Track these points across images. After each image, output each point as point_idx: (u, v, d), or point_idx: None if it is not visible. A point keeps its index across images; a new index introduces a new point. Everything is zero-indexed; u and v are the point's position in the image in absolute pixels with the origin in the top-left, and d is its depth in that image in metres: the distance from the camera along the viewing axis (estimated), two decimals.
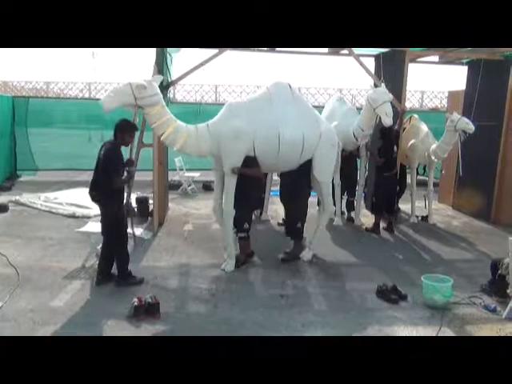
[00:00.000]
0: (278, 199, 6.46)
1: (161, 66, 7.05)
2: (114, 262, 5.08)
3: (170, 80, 7.59)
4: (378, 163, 7.37)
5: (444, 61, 9.02)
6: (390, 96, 6.61)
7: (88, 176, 4.98)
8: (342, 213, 8.27)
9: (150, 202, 7.73)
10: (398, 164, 7.63)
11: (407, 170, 8.61)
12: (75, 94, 22.28)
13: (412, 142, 8.18)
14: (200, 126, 5.43)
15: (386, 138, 7.26)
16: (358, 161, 8.17)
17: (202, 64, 7.30)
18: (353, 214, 8.17)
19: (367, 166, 8.22)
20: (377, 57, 8.45)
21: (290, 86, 5.79)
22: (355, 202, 8.14)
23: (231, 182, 5.42)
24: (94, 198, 4.92)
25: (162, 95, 5.15)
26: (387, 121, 6.46)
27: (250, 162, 5.43)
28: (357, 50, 7.62)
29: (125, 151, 4.99)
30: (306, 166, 5.86)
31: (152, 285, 5.10)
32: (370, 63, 8.48)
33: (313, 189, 6.16)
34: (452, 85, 21.55)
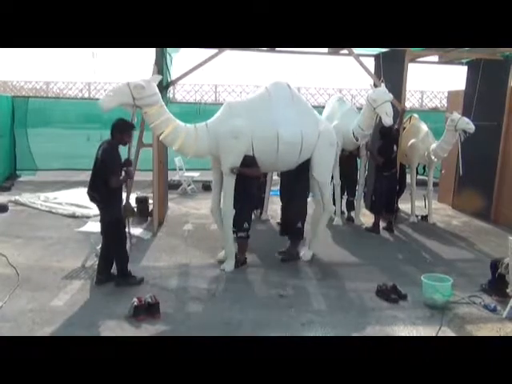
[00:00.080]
0: (278, 199, 6.45)
1: (160, 66, 7.05)
2: (113, 262, 5.07)
3: (169, 80, 7.58)
4: (378, 163, 7.38)
5: (444, 61, 9.02)
6: (390, 96, 6.61)
7: (87, 176, 4.98)
8: (342, 212, 8.27)
9: (150, 201, 7.73)
10: (398, 164, 7.63)
11: (407, 170, 8.62)
12: (75, 94, 22.26)
13: (412, 141, 8.18)
14: (199, 125, 5.43)
15: (386, 138, 7.27)
16: (359, 160, 8.17)
17: (201, 64, 7.31)
18: (353, 214, 8.17)
19: (367, 165, 8.23)
20: (376, 57, 8.46)
21: (289, 86, 5.79)
22: (355, 202, 8.14)
23: (230, 182, 5.42)
24: (93, 199, 4.92)
25: (160, 95, 5.13)
26: (387, 120, 6.46)
27: (249, 161, 5.43)
28: (356, 50, 7.62)
29: (123, 151, 4.99)
30: (305, 166, 5.86)
31: (152, 285, 5.10)
32: (370, 63, 8.49)
33: (310, 191, 6.15)
34: (452, 85, 21.59)
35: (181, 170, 10.52)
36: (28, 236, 6.68)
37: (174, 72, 7.81)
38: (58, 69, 56.69)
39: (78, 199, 8.46)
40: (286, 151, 5.53)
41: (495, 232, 7.72)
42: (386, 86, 6.73)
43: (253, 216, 7.76)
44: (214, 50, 7.15)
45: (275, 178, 7.99)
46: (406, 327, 4.32)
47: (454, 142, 7.61)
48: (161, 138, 5.30)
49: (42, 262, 5.69)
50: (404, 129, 8.14)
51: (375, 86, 7.17)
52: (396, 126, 7.47)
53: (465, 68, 8.91)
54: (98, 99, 5.01)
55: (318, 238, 6.21)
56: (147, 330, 4.11)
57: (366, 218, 8.11)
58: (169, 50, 7.41)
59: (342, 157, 7.74)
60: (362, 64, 7.55)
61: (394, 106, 6.94)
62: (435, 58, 8.95)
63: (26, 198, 8.89)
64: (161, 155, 7.35)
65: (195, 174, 10.69)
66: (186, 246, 6.50)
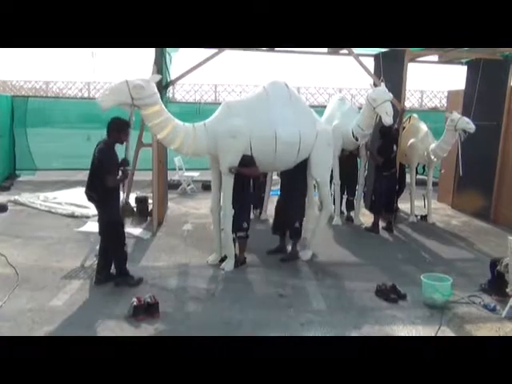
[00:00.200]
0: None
1: (160, 66, 7.05)
2: (112, 262, 5.07)
3: (169, 79, 7.58)
4: (378, 162, 7.38)
5: (443, 60, 9.02)
6: (390, 95, 6.61)
7: (87, 176, 4.98)
8: (342, 212, 8.28)
9: (150, 201, 7.73)
10: (398, 163, 7.63)
11: (406, 170, 8.62)
12: (74, 94, 22.25)
13: (411, 141, 8.18)
14: (197, 125, 5.42)
15: (386, 138, 7.27)
16: (359, 160, 8.17)
17: (201, 63, 7.30)
18: (352, 214, 8.17)
19: (367, 165, 8.23)
20: (376, 56, 8.45)
21: (287, 86, 5.79)
22: (355, 202, 8.14)
23: (228, 182, 5.41)
24: (91, 198, 4.91)
25: (159, 95, 5.12)
26: (387, 120, 6.46)
27: (247, 161, 5.43)
28: (356, 50, 7.62)
29: (121, 151, 4.98)
30: (303, 166, 5.86)
31: (151, 284, 5.10)
32: (370, 63, 8.48)
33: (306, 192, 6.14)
34: (451, 84, 21.60)
35: (180, 169, 10.52)
36: (27, 236, 6.68)
37: (174, 71, 7.82)
38: (58, 68, 56.65)
39: (77, 199, 8.45)
40: (284, 151, 5.53)
41: (495, 232, 7.72)
42: (386, 86, 6.73)
43: (252, 216, 7.79)
44: (213, 50, 7.14)
45: (275, 177, 7.99)
46: (406, 327, 4.32)
47: (454, 141, 7.61)
48: (159, 137, 5.29)
49: (41, 261, 5.69)
50: (403, 128, 8.14)
51: (375, 85, 7.17)
52: (395, 126, 7.47)
53: (464, 68, 8.91)
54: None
55: (318, 237, 6.21)
56: (146, 329, 4.11)
57: (365, 217, 8.11)
58: (168, 49, 7.40)
59: (342, 157, 7.74)
60: (361, 64, 7.55)
61: (393, 106, 6.94)
62: (435, 58, 8.94)
63: (25, 197, 8.89)
64: (160, 155, 7.35)
65: (195, 174, 10.69)
66: (186, 246, 6.50)
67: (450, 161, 8.81)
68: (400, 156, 7.78)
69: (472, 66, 8.63)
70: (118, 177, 4.85)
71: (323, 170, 5.95)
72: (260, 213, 8.13)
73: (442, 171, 9.50)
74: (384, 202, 7.48)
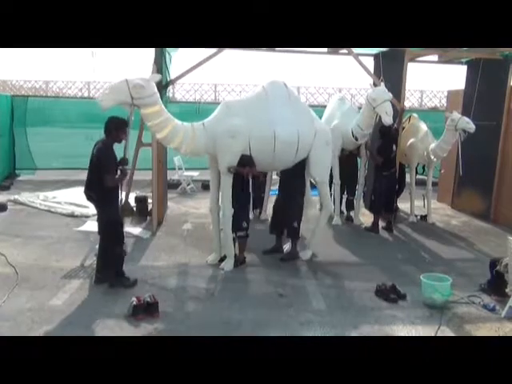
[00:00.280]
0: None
1: (160, 65, 7.04)
2: (116, 261, 5.06)
3: (168, 79, 7.58)
4: (377, 162, 7.38)
5: (443, 60, 9.02)
6: (390, 95, 6.61)
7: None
8: (341, 212, 8.27)
9: (149, 201, 7.73)
10: (397, 163, 7.63)
11: (406, 169, 8.61)
12: (74, 93, 22.26)
13: (411, 141, 8.18)
14: (196, 124, 5.41)
15: (385, 138, 7.27)
16: (359, 160, 8.17)
17: (201, 63, 7.30)
18: (352, 214, 8.17)
19: (367, 165, 8.23)
20: (376, 56, 8.45)
21: (286, 85, 5.79)
22: (355, 202, 8.14)
23: (227, 181, 5.41)
24: (90, 198, 4.90)
25: (159, 94, 5.11)
26: (387, 120, 6.46)
27: (246, 160, 5.43)
28: (356, 50, 7.61)
29: (119, 150, 4.97)
30: (301, 165, 5.86)
31: (151, 284, 5.10)
32: (369, 62, 8.48)
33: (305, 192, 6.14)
34: (451, 84, 21.55)
35: (180, 169, 10.52)
36: (27, 235, 6.67)
37: (174, 71, 7.82)
38: (58, 68, 56.66)
39: (77, 198, 8.45)
40: (282, 150, 5.53)
41: (495, 232, 7.72)
42: (386, 86, 6.73)
43: (252, 216, 7.79)
44: (213, 49, 7.14)
45: (275, 177, 7.98)
46: (405, 327, 4.32)
47: (454, 141, 7.61)
48: (158, 137, 5.29)
49: (41, 261, 5.69)
50: (403, 128, 8.14)
51: (375, 85, 7.17)
52: (395, 126, 7.47)
53: (464, 67, 8.92)
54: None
55: (317, 237, 6.21)
56: (146, 329, 4.11)
57: (365, 217, 8.11)
58: (168, 49, 7.40)
59: (342, 156, 7.75)
60: (361, 63, 7.54)
61: (393, 106, 6.94)
62: (435, 58, 8.94)
63: (25, 197, 8.89)
64: (160, 154, 7.35)
65: (194, 174, 10.69)
66: (186, 246, 6.50)
67: (449, 161, 8.81)
68: (400, 156, 7.77)
69: (472, 66, 8.63)
70: (117, 176, 4.84)
71: (322, 169, 5.95)
72: (260, 212, 8.13)
73: (442, 171, 9.51)
74: (384, 201, 7.48)
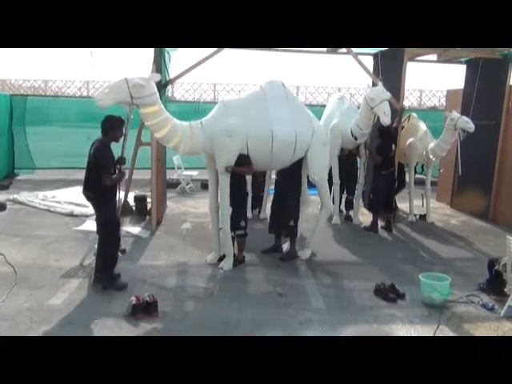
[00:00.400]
0: None
1: (159, 65, 7.03)
2: (113, 261, 5.06)
3: (168, 78, 7.57)
4: (376, 162, 7.38)
5: (442, 60, 9.02)
6: (388, 94, 6.60)
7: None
8: (341, 211, 8.28)
9: (148, 200, 7.72)
10: (396, 162, 7.63)
11: (405, 169, 8.62)
12: (73, 93, 22.27)
13: (410, 140, 8.18)
14: (194, 123, 5.41)
15: (385, 137, 7.26)
16: (358, 159, 8.17)
17: (200, 62, 7.30)
18: (351, 213, 8.17)
19: (366, 164, 8.23)
20: (375, 55, 8.45)
21: (283, 85, 5.79)
22: (354, 201, 8.14)
23: (225, 181, 5.41)
24: (88, 197, 4.89)
25: (158, 94, 5.11)
26: (385, 120, 6.46)
27: (244, 160, 5.43)
28: (355, 49, 7.61)
29: (118, 149, 4.97)
30: (297, 165, 5.87)
31: (150, 283, 5.10)
32: (369, 62, 8.48)
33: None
34: (451, 83, 21.54)
35: (179, 168, 10.51)
36: (26, 234, 6.67)
37: (173, 70, 7.81)
38: (57, 67, 56.62)
39: (76, 198, 8.43)
40: (280, 150, 5.53)
41: (494, 231, 7.72)
42: (385, 85, 6.73)
43: (251, 215, 7.79)
44: (212, 49, 7.14)
45: (274, 176, 7.98)
46: (404, 326, 4.33)
47: (453, 141, 7.61)
48: (157, 136, 5.29)
49: (39, 260, 5.68)
50: (403, 128, 8.14)
51: (374, 84, 7.17)
52: (395, 125, 7.47)
53: (464, 67, 8.92)
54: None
55: (317, 236, 6.21)
56: (145, 328, 4.11)
57: (364, 217, 8.12)
58: (167, 48, 7.39)
59: (342, 156, 7.75)
60: (360, 63, 7.54)
61: (392, 105, 6.94)
62: (434, 57, 8.94)
63: (24, 196, 8.88)
64: (159, 154, 7.34)
65: (194, 173, 10.68)
66: (185, 245, 6.50)
67: (449, 160, 8.82)
68: (399, 155, 7.78)
69: (471, 65, 8.64)
70: (115, 175, 4.83)
71: (320, 168, 5.95)
72: (259, 212, 8.13)
73: (441, 170, 9.51)
74: (383, 201, 7.48)
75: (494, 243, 6.91)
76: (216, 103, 5.87)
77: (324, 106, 9.05)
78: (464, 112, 8.12)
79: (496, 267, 4.87)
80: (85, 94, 22.02)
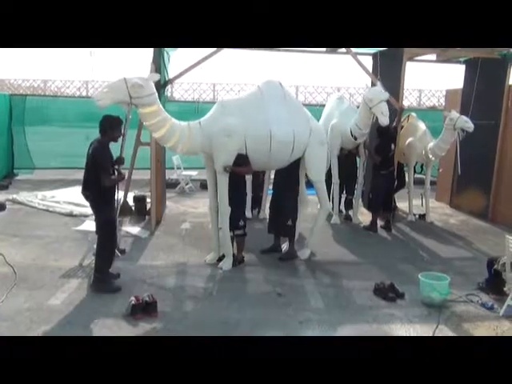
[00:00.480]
0: None
1: (158, 64, 7.02)
2: (111, 260, 5.05)
3: (167, 78, 7.57)
4: (376, 161, 7.38)
5: (442, 59, 9.03)
6: (386, 95, 6.60)
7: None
8: (340, 211, 8.28)
9: (148, 200, 7.72)
10: (396, 162, 7.64)
11: (405, 168, 8.62)
12: (73, 93, 22.26)
13: (410, 140, 8.19)
14: (192, 123, 5.41)
15: (384, 136, 7.27)
16: (358, 159, 8.17)
17: (199, 62, 7.29)
18: (351, 213, 8.18)
19: (365, 164, 8.23)
20: (374, 55, 8.45)
21: (281, 85, 5.80)
22: (353, 201, 8.14)
23: (224, 181, 5.41)
24: (87, 198, 4.88)
25: (157, 94, 5.11)
26: (383, 120, 6.47)
27: (242, 160, 5.43)
28: (354, 49, 7.61)
29: (116, 149, 4.96)
30: (294, 165, 5.87)
31: (149, 283, 5.10)
32: (368, 61, 8.49)
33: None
34: (450, 83, 21.57)
35: (179, 168, 10.51)
36: (25, 235, 6.66)
37: (172, 70, 7.81)
38: (56, 67, 56.57)
39: (75, 198, 8.43)
40: (278, 150, 5.53)
41: (493, 231, 7.73)
42: (384, 85, 6.73)
43: (251, 215, 7.80)
44: (212, 49, 7.14)
45: (273, 176, 7.99)
46: (404, 325, 4.33)
47: (452, 140, 7.61)
48: (156, 136, 5.29)
49: (39, 260, 5.68)
50: (402, 127, 8.14)
51: (373, 84, 7.17)
52: (394, 125, 7.48)
53: (463, 67, 8.93)
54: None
55: (316, 236, 6.21)
56: (144, 328, 4.11)
57: (363, 216, 8.12)
58: (166, 48, 7.39)
59: (341, 155, 7.75)
60: (359, 62, 7.55)
61: (391, 105, 6.94)
62: (433, 57, 8.94)
63: (23, 196, 8.88)
64: (158, 154, 7.34)
65: (193, 173, 10.67)
66: (184, 245, 6.50)
67: (448, 160, 8.81)
68: (398, 155, 7.78)
69: (470, 65, 8.64)
70: (113, 177, 4.82)
71: (318, 168, 5.96)
72: (258, 212, 8.13)
73: (440, 170, 9.52)
74: (382, 200, 7.48)
75: (493, 242, 6.91)
76: (215, 103, 5.87)
77: (323, 105, 9.05)
78: (463, 112, 8.13)
79: (495, 266, 4.88)
80: (84, 93, 22.01)
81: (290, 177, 5.94)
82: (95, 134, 4.83)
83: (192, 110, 11.77)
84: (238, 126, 5.35)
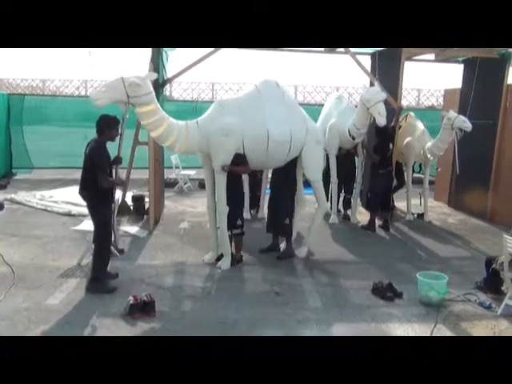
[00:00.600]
0: None
1: (156, 64, 7.02)
2: (109, 260, 5.05)
3: (165, 77, 7.56)
4: (374, 161, 7.39)
5: (440, 59, 9.04)
6: (384, 95, 6.61)
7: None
8: (338, 211, 8.28)
9: (146, 200, 7.72)
10: (394, 161, 7.64)
11: (404, 168, 8.62)
12: (71, 92, 22.18)
13: (408, 139, 8.19)
14: (190, 122, 5.41)
15: (382, 136, 7.27)
16: (356, 158, 8.18)
17: (198, 61, 7.29)
18: (349, 212, 8.18)
19: (363, 163, 8.24)
20: (373, 55, 8.46)
21: (278, 84, 5.81)
22: (352, 200, 8.15)
23: (221, 180, 5.41)
24: (85, 198, 4.87)
25: (154, 93, 5.10)
26: (380, 120, 6.48)
27: (240, 159, 5.44)
28: (353, 48, 7.61)
29: (114, 148, 4.96)
30: (291, 164, 5.88)
31: (147, 283, 5.10)
32: (367, 61, 8.49)
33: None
34: (448, 83, 21.58)
35: (177, 168, 10.50)
36: (23, 234, 6.66)
37: (171, 69, 7.80)
38: (55, 66, 56.36)
39: (73, 197, 8.40)
40: (275, 149, 5.55)
41: (491, 230, 7.74)
42: (382, 84, 6.73)
43: (249, 215, 7.80)
44: (211, 48, 7.13)
45: (270, 176, 7.99)
46: (402, 325, 4.34)
47: (450, 140, 7.63)
48: (153, 135, 5.29)
49: (37, 260, 5.68)
50: (400, 127, 8.15)
51: (371, 84, 7.17)
52: (392, 124, 7.48)
53: (461, 66, 8.94)
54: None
55: (314, 235, 6.22)
56: (142, 328, 4.11)
57: (362, 216, 8.13)
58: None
59: (340, 155, 7.76)
60: (358, 62, 7.55)
61: (390, 105, 6.94)
62: (432, 57, 8.95)
63: (21, 196, 8.87)
64: (157, 153, 7.34)
65: (191, 173, 10.67)
66: (182, 244, 6.50)
67: (446, 159, 8.82)
68: (397, 154, 7.79)
69: (468, 65, 8.65)
70: (112, 179, 4.80)
71: (315, 167, 5.97)
72: (257, 211, 8.13)
73: (439, 170, 9.53)
74: (380, 200, 7.49)
75: (491, 242, 6.93)
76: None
77: (322, 105, 9.05)
78: (461, 111, 8.14)
79: (493, 266, 4.89)
80: (83, 93, 21.92)
81: (287, 176, 5.95)
82: (94, 133, 4.83)
83: (190, 109, 11.76)
84: (235, 125, 5.35)
